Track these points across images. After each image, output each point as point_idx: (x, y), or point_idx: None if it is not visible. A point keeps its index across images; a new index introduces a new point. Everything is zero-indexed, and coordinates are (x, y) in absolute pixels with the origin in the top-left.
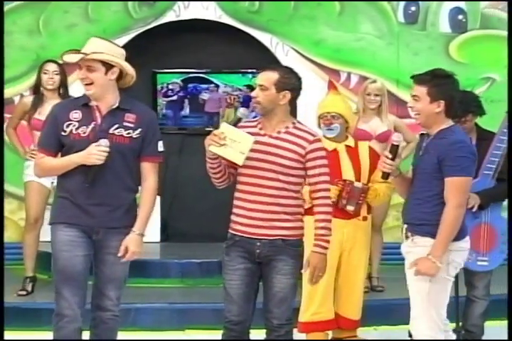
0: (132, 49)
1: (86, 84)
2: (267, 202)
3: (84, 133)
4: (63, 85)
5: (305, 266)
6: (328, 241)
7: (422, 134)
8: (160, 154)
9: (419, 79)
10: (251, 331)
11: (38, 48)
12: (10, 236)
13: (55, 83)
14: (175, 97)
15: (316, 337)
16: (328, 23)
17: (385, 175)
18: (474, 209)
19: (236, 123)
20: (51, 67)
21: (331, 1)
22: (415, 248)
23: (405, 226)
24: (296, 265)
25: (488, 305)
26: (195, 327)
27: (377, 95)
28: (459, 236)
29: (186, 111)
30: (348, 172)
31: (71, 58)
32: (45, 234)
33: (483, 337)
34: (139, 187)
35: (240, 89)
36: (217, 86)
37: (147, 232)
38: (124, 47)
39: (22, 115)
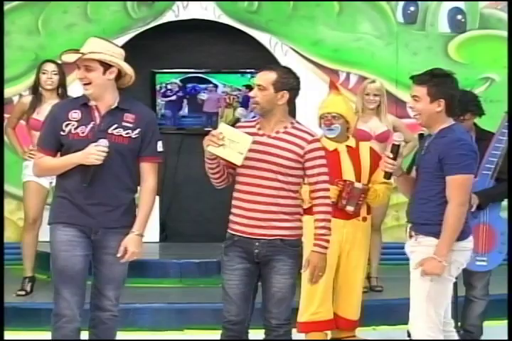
0: (131, 49)
1: (84, 84)
2: (266, 202)
3: (83, 132)
4: (62, 85)
5: (305, 266)
6: (328, 241)
7: (420, 134)
8: (159, 154)
9: (418, 79)
10: (250, 331)
11: (36, 48)
12: (9, 236)
13: (54, 83)
14: (174, 97)
15: (315, 337)
16: (327, 23)
17: (387, 175)
18: (473, 210)
19: (234, 123)
20: (50, 67)
21: (330, 1)
22: (419, 247)
23: (409, 225)
24: (295, 265)
25: (487, 305)
26: (194, 327)
27: (376, 95)
28: (462, 236)
29: (185, 111)
30: (348, 172)
31: (69, 58)
32: (44, 234)
33: (482, 337)
34: (138, 188)
35: (239, 89)
36: (215, 86)
37: (146, 232)
38: (123, 47)
39: (21, 115)
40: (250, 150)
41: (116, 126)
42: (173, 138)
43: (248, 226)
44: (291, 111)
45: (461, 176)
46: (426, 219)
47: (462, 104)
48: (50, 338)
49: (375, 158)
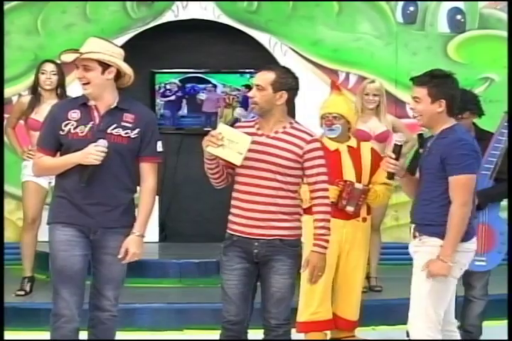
0: (130, 49)
1: (83, 84)
2: (265, 202)
3: (82, 132)
4: (61, 85)
5: (304, 266)
6: (327, 241)
7: (420, 134)
8: (159, 154)
9: (418, 80)
10: (249, 331)
11: (36, 48)
12: (8, 236)
13: (53, 83)
14: (173, 97)
15: (314, 337)
16: (326, 23)
17: (390, 176)
18: None
19: (233, 123)
20: (49, 67)
21: (329, 1)
22: (423, 247)
23: (413, 226)
24: (294, 265)
25: (486, 305)
26: (193, 327)
27: (375, 95)
28: (466, 238)
29: (184, 111)
30: (349, 172)
31: (68, 58)
32: (44, 234)
33: (482, 337)
34: (138, 188)
35: (238, 89)
36: (214, 86)
37: (145, 232)
38: (123, 47)
39: (20, 115)
40: (249, 150)
41: (115, 125)
42: (172, 138)
43: (247, 226)
44: (291, 111)
45: (464, 176)
46: (429, 220)
47: (461, 102)
48: (49, 338)
49: (376, 158)
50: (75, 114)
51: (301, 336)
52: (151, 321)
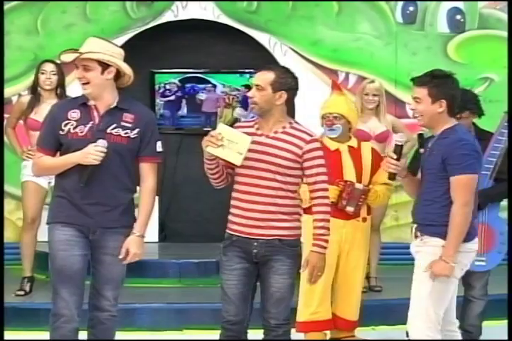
0: (130, 49)
1: (83, 84)
2: (264, 202)
3: (81, 132)
4: (61, 85)
5: (303, 266)
6: (326, 241)
7: (419, 134)
8: (159, 155)
9: (419, 81)
10: (249, 331)
11: (35, 48)
12: (8, 236)
13: (53, 83)
14: (172, 97)
15: (314, 337)
16: (326, 23)
17: (392, 176)
18: None
19: (233, 123)
20: (49, 67)
21: (329, 1)
22: (425, 247)
23: (414, 225)
24: (294, 265)
25: (486, 305)
26: (193, 327)
27: (375, 95)
28: (467, 238)
29: (184, 111)
30: (349, 172)
31: (67, 58)
32: (43, 234)
33: (481, 337)
34: (138, 188)
35: (238, 89)
36: (214, 86)
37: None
38: (122, 47)
39: (20, 114)
40: (249, 150)
41: (115, 125)
42: (172, 138)
43: (246, 226)
44: (291, 111)
45: (465, 176)
46: (431, 221)
47: (461, 102)
48: (48, 338)
49: (377, 158)
50: (74, 114)
51: (301, 336)
52: (151, 321)
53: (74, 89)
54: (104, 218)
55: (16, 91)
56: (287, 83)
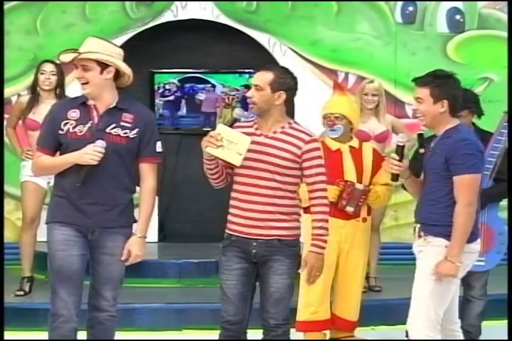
0: (130, 49)
1: (82, 83)
2: (263, 202)
3: (80, 132)
4: (60, 85)
5: (302, 266)
6: (325, 241)
7: (420, 134)
8: (158, 155)
9: (420, 81)
10: (248, 331)
11: (35, 48)
12: (7, 236)
13: (52, 83)
14: (172, 97)
15: (313, 337)
16: (325, 23)
17: (395, 177)
18: None
19: (232, 123)
20: (48, 68)
21: (328, 1)
22: (428, 247)
23: (418, 225)
24: (293, 265)
25: (486, 305)
26: (192, 327)
27: (374, 95)
28: (471, 239)
29: (183, 111)
30: (350, 173)
31: (67, 57)
32: (42, 234)
33: (481, 337)
34: (137, 188)
35: (237, 89)
36: (214, 86)
37: None
38: (122, 47)
39: (20, 114)
40: (248, 151)
41: (114, 125)
42: (171, 138)
43: (245, 227)
44: (290, 111)
45: (468, 176)
46: (435, 221)
47: (461, 101)
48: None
49: (378, 159)
50: (74, 114)
51: (300, 336)
52: (150, 321)
53: (73, 89)
54: (102, 218)
55: (16, 91)
56: (286, 83)
